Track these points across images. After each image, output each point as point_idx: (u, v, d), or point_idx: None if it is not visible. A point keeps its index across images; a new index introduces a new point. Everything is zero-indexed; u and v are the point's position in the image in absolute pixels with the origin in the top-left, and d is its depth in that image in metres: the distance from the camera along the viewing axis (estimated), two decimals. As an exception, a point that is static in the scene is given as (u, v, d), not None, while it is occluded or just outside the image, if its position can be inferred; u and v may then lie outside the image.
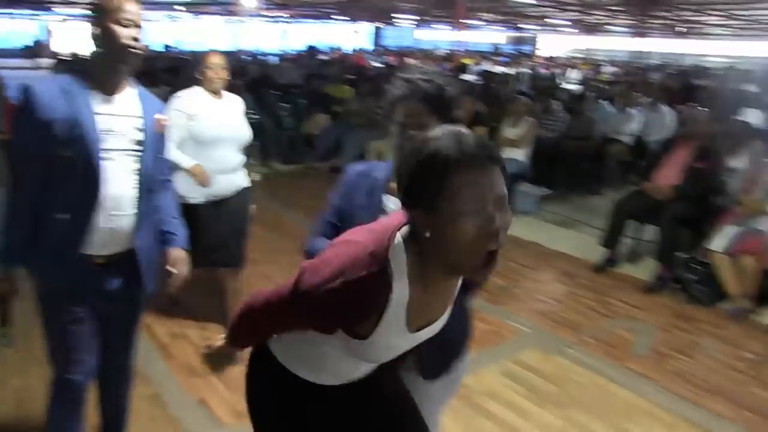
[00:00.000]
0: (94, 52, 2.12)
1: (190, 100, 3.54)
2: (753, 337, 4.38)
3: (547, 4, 20.54)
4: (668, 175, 5.28)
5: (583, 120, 7.99)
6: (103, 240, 2.17)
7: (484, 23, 30.33)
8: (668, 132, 7.38)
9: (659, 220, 5.19)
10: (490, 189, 1.26)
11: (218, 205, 3.66)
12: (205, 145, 3.53)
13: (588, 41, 32.34)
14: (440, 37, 31.47)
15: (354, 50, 20.58)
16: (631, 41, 26.93)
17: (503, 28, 33.97)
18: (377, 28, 37.15)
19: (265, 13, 26.88)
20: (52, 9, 26.12)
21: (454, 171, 1.24)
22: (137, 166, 2.18)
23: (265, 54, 17.78)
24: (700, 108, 6.41)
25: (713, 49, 28.37)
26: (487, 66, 16.98)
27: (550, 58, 23.32)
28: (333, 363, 1.60)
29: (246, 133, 3.72)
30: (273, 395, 1.69)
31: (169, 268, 2.41)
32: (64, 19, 30.80)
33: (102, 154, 2.08)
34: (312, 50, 18.27)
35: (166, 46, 19.93)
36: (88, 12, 2.12)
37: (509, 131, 7.03)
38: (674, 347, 4.15)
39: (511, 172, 6.42)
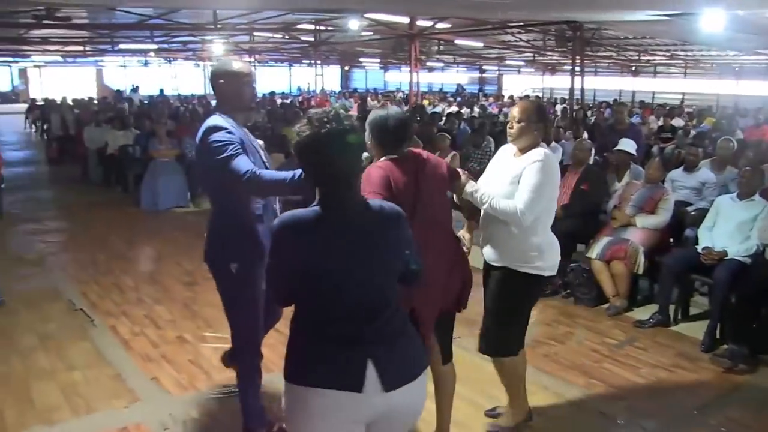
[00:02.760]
0: None
1: None
2: (619, 327, 5.18)
3: (501, 46, 21.76)
4: (559, 197, 6.19)
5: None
6: None
7: (444, 65, 31.62)
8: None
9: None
10: None
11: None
12: None
13: (552, 80, 33.04)
14: (407, 78, 32.50)
15: (317, 92, 21.54)
16: (594, 79, 28.00)
17: (466, 69, 35.28)
18: (346, 71, 38.50)
19: (234, 58, 27.89)
20: (30, 56, 26.92)
21: None
22: None
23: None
24: (585, 139, 7.41)
25: (668, 86, 29.42)
26: (442, 106, 17.97)
27: (506, 97, 24.47)
28: None
29: None
30: None
31: None
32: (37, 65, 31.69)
33: None
34: (272, 94, 19.50)
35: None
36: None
37: (436, 164, 7.92)
38: (550, 337, 4.95)
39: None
